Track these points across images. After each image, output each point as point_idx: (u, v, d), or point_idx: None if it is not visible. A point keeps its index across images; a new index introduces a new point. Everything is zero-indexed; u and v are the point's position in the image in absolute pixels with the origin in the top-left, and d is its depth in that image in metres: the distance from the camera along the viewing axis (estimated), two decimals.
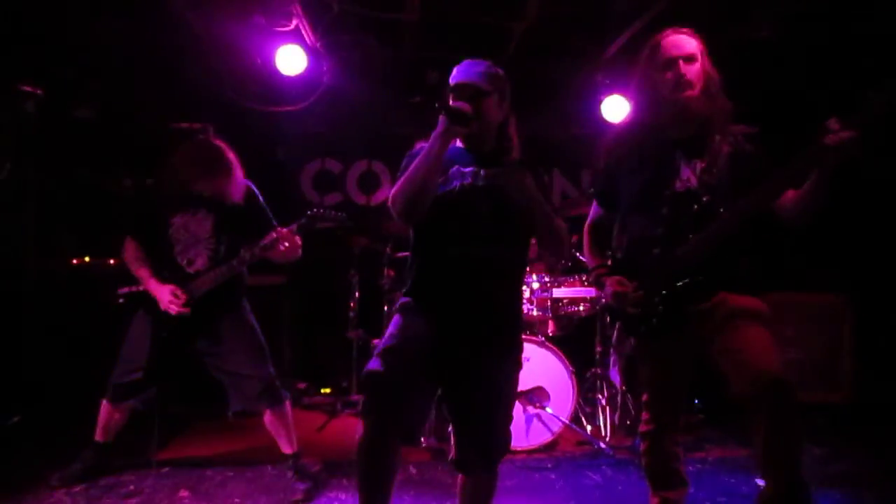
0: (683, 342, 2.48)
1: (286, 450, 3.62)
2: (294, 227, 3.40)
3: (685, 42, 2.45)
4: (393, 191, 2.40)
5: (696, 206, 2.40)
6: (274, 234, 3.35)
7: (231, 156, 3.62)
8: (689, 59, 2.42)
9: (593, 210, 2.82)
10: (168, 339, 3.48)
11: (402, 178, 2.38)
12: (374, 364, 2.30)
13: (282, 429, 3.60)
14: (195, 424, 4.68)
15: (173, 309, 3.40)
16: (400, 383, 2.26)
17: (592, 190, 2.88)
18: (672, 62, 2.42)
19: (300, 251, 3.44)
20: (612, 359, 2.69)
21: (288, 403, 3.62)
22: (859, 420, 4.88)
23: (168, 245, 3.53)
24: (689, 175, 2.44)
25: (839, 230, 5.06)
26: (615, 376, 2.93)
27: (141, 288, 3.53)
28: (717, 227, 2.34)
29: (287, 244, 3.35)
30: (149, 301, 3.50)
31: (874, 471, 3.91)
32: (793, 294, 5.30)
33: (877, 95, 2.03)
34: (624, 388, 4.41)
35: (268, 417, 3.58)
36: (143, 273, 3.51)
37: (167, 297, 3.41)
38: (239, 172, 3.64)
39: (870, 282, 5.23)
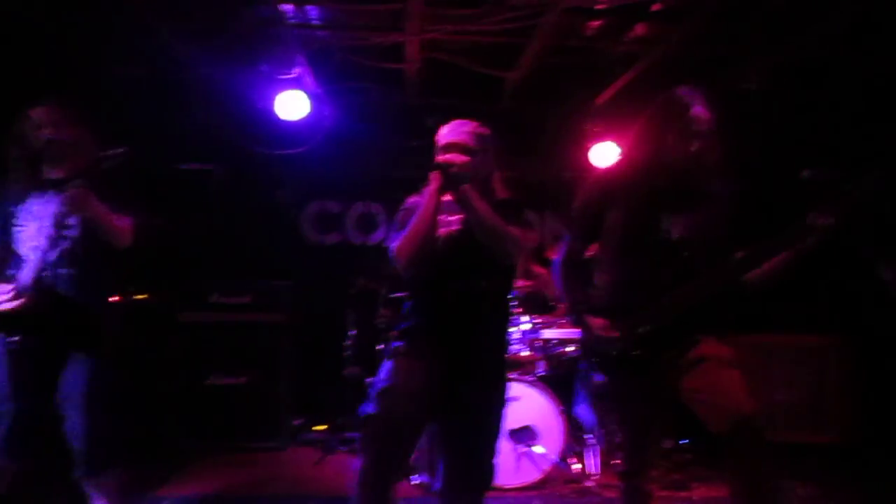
0: (657, 384, 2.58)
1: None
2: (79, 182, 2.82)
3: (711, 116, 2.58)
4: (395, 246, 2.60)
5: (678, 258, 2.53)
6: (66, 195, 2.80)
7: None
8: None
9: (567, 246, 2.82)
10: (23, 349, 2.88)
11: (404, 235, 2.58)
12: (371, 407, 2.46)
13: None
14: (198, 459, 4.73)
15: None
16: (396, 425, 2.42)
17: (572, 225, 2.91)
18: (701, 136, 2.53)
19: (101, 209, 2.88)
20: (579, 395, 2.77)
21: (113, 484, 2.96)
22: (847, 461, 4.94)
23: (13, 238, 3.01)
24: (673, 226, 2.57)
25: (826, 273, 5.19)
26: (583, 414, 3.00)
27: None
28: (699, 290, 2.47)
29: (82, 203, 2.81)
30: None
31: None
32: (781, 336, 5.40)
33: (857, 188, 2.21)
34: (593, 425, 4.49)
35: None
36: None
37: None
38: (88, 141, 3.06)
39: (857, 323, 5.32)
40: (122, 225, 2.94)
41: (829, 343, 5.34)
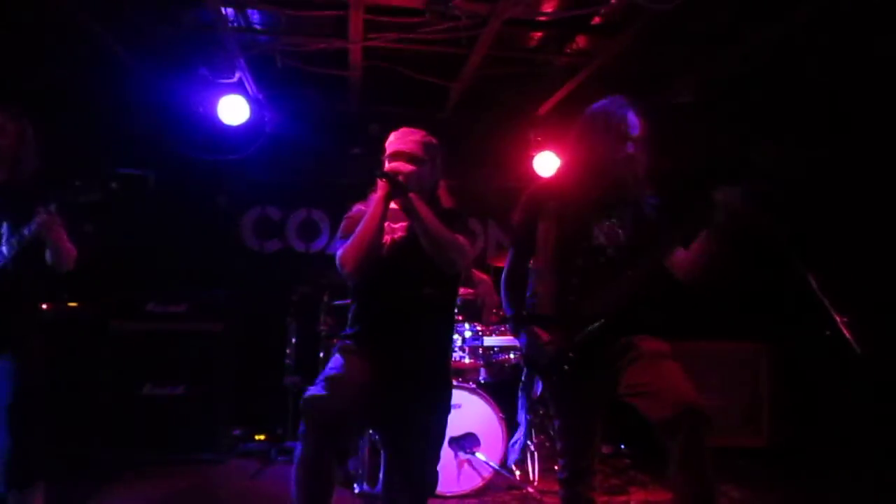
0: (594, 389, 2.63)
1: None
2: (52, 207, 2.83)
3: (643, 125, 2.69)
4: (342, 253, 2.59)
5: (604, 260, 2.60)
6: (38, 218, 2.81)
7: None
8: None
9: (511, 260, 2.91)
10: None
11: (350, 242, 2.57)
12: (315, 389, 2.42)
13: None
14: (131, 472, 4.56)
15: None
16: (340, 407, 2.37)
17: (512, 240, 3.00)
18: (635, 140, 2.64)
19: (63, 236, 2.91)
20: (519, 402, 2.81)
21: (39, 499, 2.95)
22: (777, 463, 5.11)
23: None
24: (599, 232, 2.65)
25: (757, 282, 5.37)
26: (521, 418, 3.05)
27: None
28: (622, 283, 2.54)
29: (50, 229, 2.83)
30: None
31: None
32: (714, 343, 5.54)
33: (757, 159, 2.30)
34: (528, 427, 4.53)
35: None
36: None
37: None
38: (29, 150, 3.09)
39: (785, 331, 5.51)
40: (71, 251, 2.95)
41: (760, 350, 5.50)
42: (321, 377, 2.49)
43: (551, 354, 2.62)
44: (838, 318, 2.44)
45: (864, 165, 4.97)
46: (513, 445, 4.30)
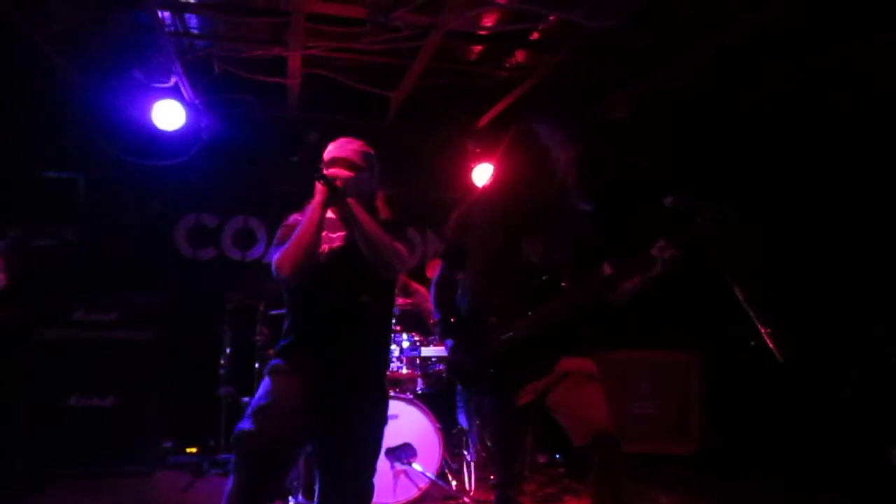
0: (522, 397, 2.67)
1: None
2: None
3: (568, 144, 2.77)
4: (278, 258, 2.55)
5: (535, 282, 2.66)
6: None
7: None
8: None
9: (441, 268, 3.00)
10: None
11: (287, 245, 2.54)
12: (245, 423, 2.38)
13: None
14: (57, 485, 4.42)
15: None
16: (272, 441, 2.35)
17: (444, 253, 3.07)
18: (561, 154, 2.72)
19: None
20: (458, 407, 2.88)
21: None
22: (706, 469, 5.25)
23: None
24: (530, 250, 2.70)
25: (687, 294, 5.52)
26: (463, 421, 3.14)
27: None
28: (552, 312, 2.62)
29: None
30: None
31: None
32: (646, 352, 5.67)
33: (702, 221, 2.41)
34: (473, 432, 4.59)
35: None
36: None
37: None
38: None
39: (714, 340, 5.69)
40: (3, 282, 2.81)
41: (690, 359, 5.64)
42: (250, 408, 2.46)
43: (475, 363, 2.67)
44: (763, 329, 2.55)
45: (791, 179, 5.18)
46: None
